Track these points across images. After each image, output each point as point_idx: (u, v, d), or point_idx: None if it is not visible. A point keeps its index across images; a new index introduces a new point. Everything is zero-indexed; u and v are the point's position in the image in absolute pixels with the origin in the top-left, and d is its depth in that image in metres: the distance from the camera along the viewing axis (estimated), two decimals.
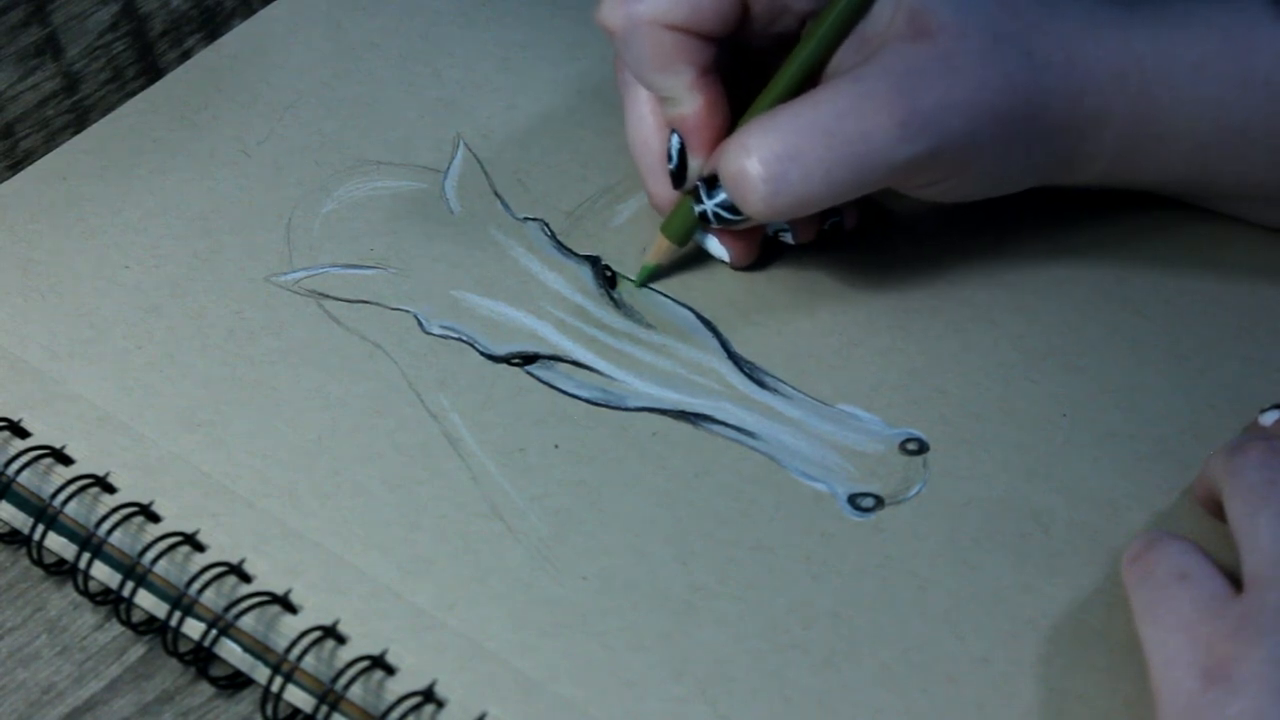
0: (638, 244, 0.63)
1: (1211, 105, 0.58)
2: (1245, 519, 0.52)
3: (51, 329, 0.61)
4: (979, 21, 0.57)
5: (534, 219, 0.64)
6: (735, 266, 0.62)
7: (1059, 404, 0.59)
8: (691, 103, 0.60)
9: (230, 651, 0.55)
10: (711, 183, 0.59)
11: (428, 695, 0.52)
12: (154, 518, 0.56)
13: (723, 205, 0.59)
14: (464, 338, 0.61)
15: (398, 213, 0.64)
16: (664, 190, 0.62)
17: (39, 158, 0.66)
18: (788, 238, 0.62)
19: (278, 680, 0.53)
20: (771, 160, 0.57)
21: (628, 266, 0.63)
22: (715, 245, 0.62)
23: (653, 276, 0.62)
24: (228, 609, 0.54)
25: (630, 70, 0.61)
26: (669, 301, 0.62)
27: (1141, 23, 0.59)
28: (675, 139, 0.61)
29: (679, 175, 0.61)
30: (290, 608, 0.54)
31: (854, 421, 0.59)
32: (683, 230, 0.61)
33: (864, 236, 0.63)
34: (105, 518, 0.56)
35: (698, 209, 0.60)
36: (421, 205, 0.65)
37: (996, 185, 0.60)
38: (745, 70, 0.62)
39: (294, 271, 0.63)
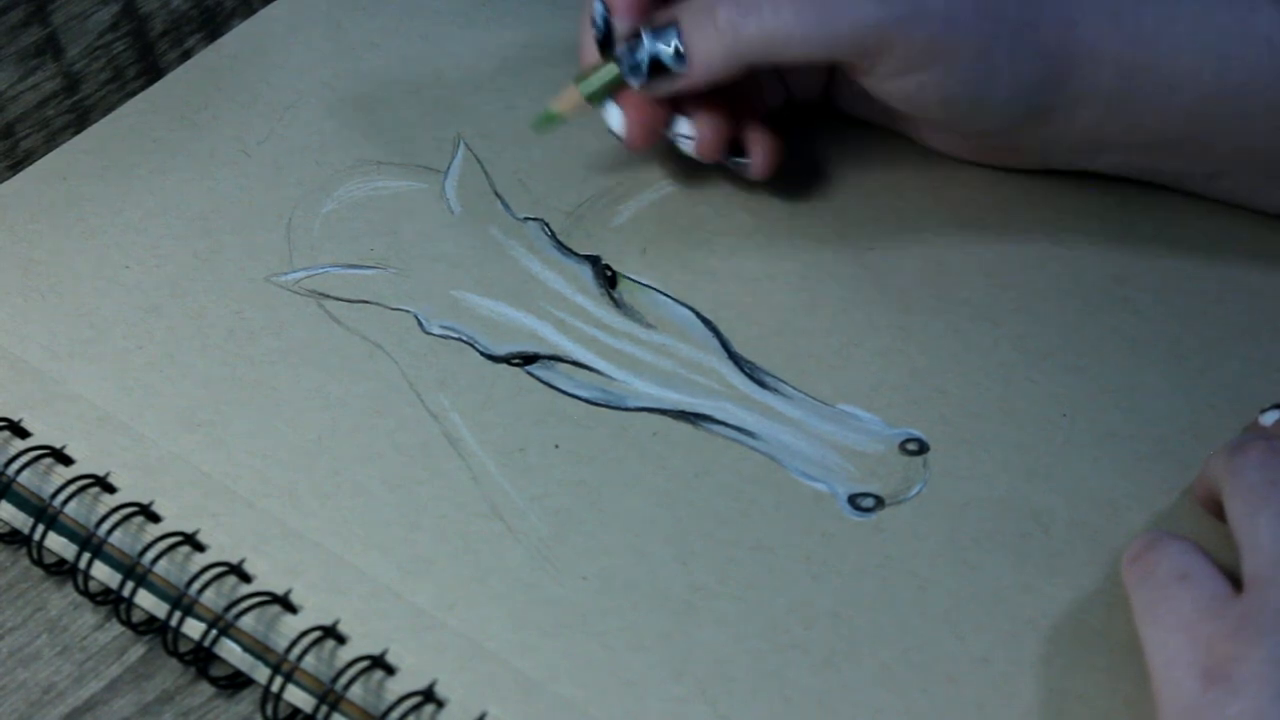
0: (639, 244, 0.63)
1: (1212, 56, 0.59)
2: (1245, 519, 0.52)
3: (51, 329, 0.61)
4: None
5: (534, 219, 0.64)
6: (630, 146, 0.62)
7: (1059, 404, 0.59)
8: None
9: (230, 651, 0.55)
10: (662, 28, 0.59)
11: (428, 695, 0.53)
12: (154, 518, 0.56)
13: (668, 50, 0.59)
14: (464, 338, 0.61)
15: (398, 213, 0.64)
16: (594, 58, 0.62)
17: (39, 158, 0.66)
18: (747, 172, 0.62)
19: (278, 680, 0.53)
20: None
21: (628, 266, 0.63)
22: (615, 117, 0.62)
23: (549, 123, 0.63)
24: (228, 609, 0.54)
25: None
26: (669, 301, 0.62)
27: None
28: (598, 5, 0.61)
29: (606, 44, 0.61)
30: (290, 608, 0.54)
31: (854, 421, 0.59)
32: (597, 88, 0.61)
33: (862, 236, 0.63)
34: (105, 518, 0.56)
35: (635, 55, 0.60)
36: (421, 205, 0.65)
37: (980, 95, 0.60)
38: None
39: (294, 271, 0.63)
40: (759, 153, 0.62)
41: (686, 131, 0.62)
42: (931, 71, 0.59)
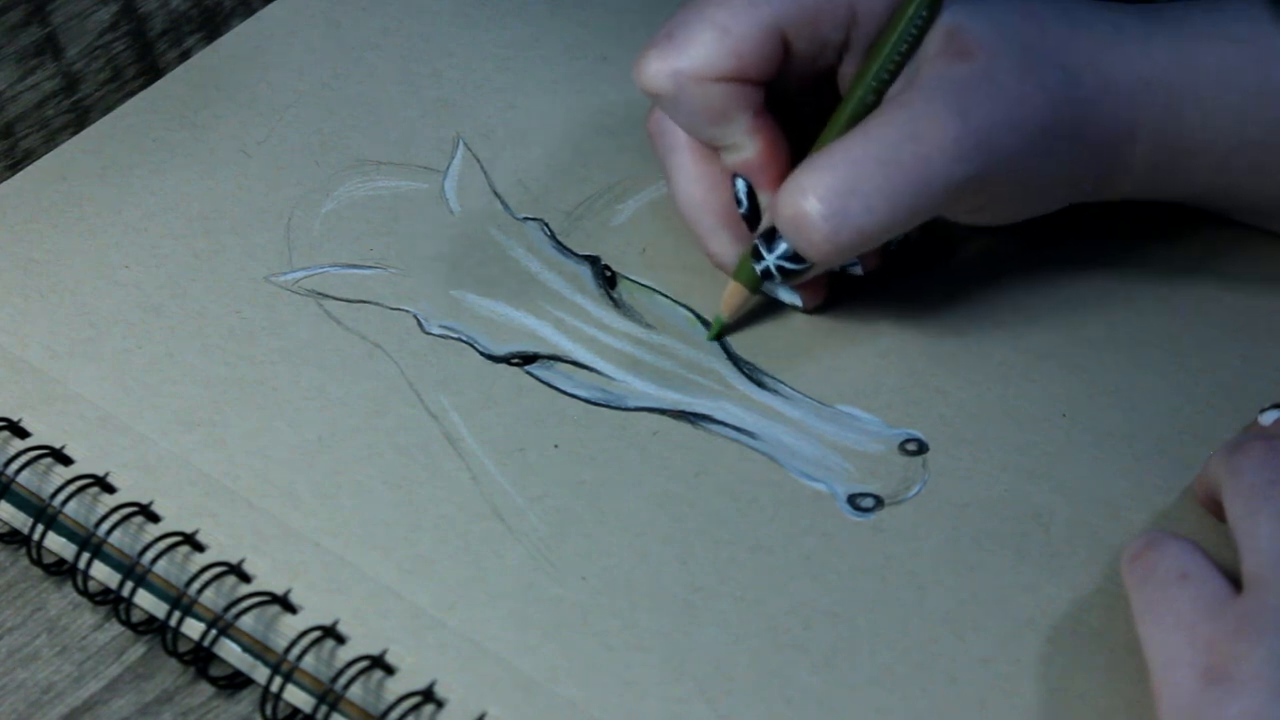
0: (638, 243, 0.63)
1: (1233, 116, 0.58)
2: (1245, 519, 0.52)
3: (51, 329, 0.61)
4: (1013, 39, 0.57)
5: (534, 219, 0.64)
6: (807, 310, 0.62)
7: (1059, 404, 0.59)
8: (753, 145, 0.59)
9: (230, 651, 0.55)
10: (770, 236, 0.59)
11: (427, 695, 0.52)
12: (154, 518, 0.56)
13: (784, 256, 0.58)
14: (464, 338, 0.61)
15: (398, 213, 0.64)
16: (724, 249, 0.61)
17: (39, 158, 0.66)
18: (857, 270, 0.61)
19: (277, 680, 0.53)
20: (829, 196, 0.56)
21: (628, 266, 0.63)
22: (785, 291, 0.61)
23: (725, 331, 0.61)
24: (227, 609, 0.54)
25: (684, 127, 0.60)
26: (669, 301, 0.62)
27: (1160, 34, 0.58)
28: (741, 183, 0.60)
29: (753, 217, 0.60)
30: (290, 608, 0.54)
31: (854, 422, 0.59)
32: (754, 279, 0.60)
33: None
34: (105, 518, 0.56)
35: (759, 266, 0.59)
36: (421, 205, 0.65)
37: (1041, 204, 0.60)
38: (791, 109, 0.61)
39: (294, 271, 0.63)
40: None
41: (851, 261, 0.61)
42: (1001, 201, 0.59)
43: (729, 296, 0.61)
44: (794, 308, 0.62)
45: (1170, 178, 0.60)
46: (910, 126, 0.56)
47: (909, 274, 0.62)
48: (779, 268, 0.59)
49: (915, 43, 0.58)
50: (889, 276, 0.62)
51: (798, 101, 0.61)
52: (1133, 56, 0.58)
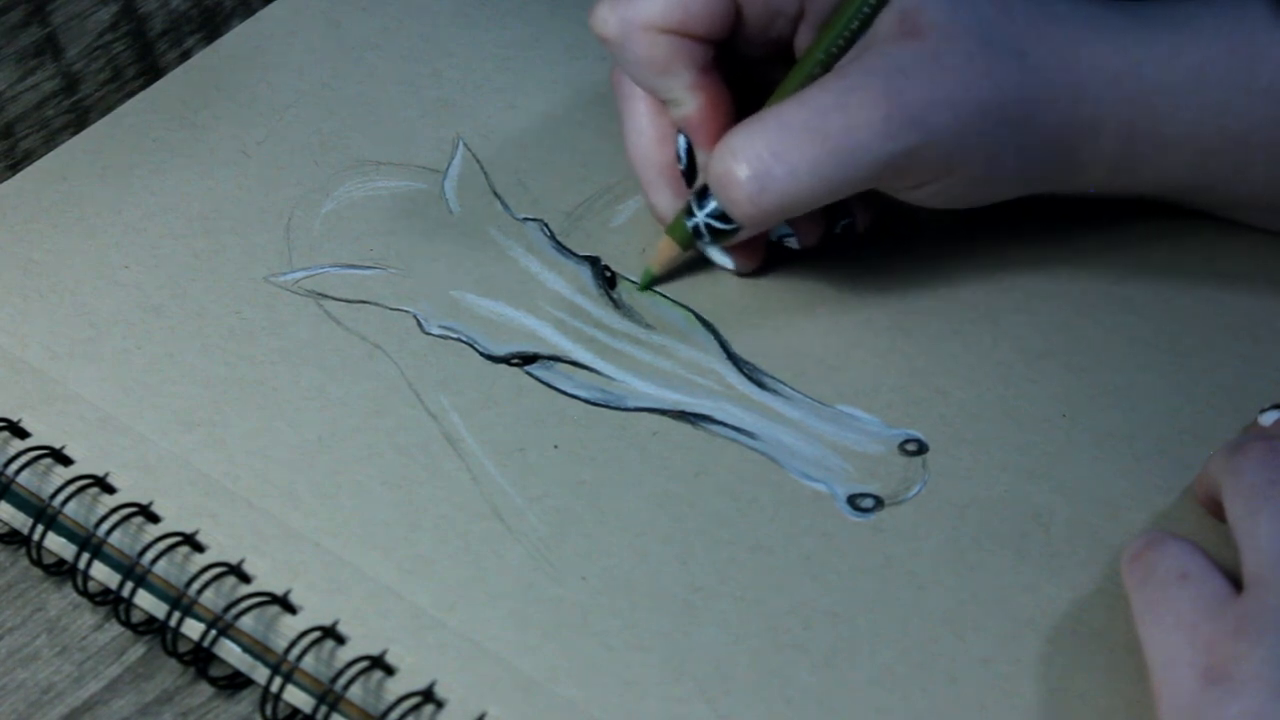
0: (638, 244, 0.63)
1: (1212, 111, 0.58)
2: (1245, 519, 0.52)
3: (51, 329, 0.61)
4: (971, 23, 0.57)
5: (533, 219, 0.64)
6: (739, 273, 0.62)
7: (1059, 404, 0.59)
8: (693, 102, 0.60)
9: (230, 652, 0.55)
10: (703, 194, 0.59)
11: (427, 695, 0.52)
12: (153, 518, 0.56)
13: (713, 215, 0.59)
14: (464, 338, 0.61)
15: (398, 213, 0.64)
16: (665, 202, 0.62)
17: (39, 158, 0.66)
18: (792, 243, 0.62)
19: (277, 680, 0.53)
20: (754, 160, 0.57)
21: (628, 266, 0.63)
22: (718, 252, 0.62)
23: (655, 282, 0.62)
24: (227, 609, 0.54)
25: (629, 75, 0.61)
26: (668, 302, 0.62)
27: (1141, 28, 0.58)
28: (682, 139, 0.61)
29: (690, 174, 0.61)
30: (290, 608, 0.54)
31: (854, 422, 0.59)
32: (687, 235, 0.61)
33: (866, 236, 0.63)
34: (105, 518, 0.56)
35: (690, 223, 0.60)
36: (421, 205, 0.65)
37: (990, 189, 0.60)
38: (749, 77, 0.62)
39: (294, 271, 0.63)
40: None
41: (786, 231, 0.62)
42: (943, 182, 0.59)
43: (660, 250, 0.62)
44: (725, 269, 0.62)
45: (1143, 173, 0.60)
46: (842, 97, 0.57)
47: (908, 274, 0.62)
48: (708, 226, 0.59)
49: (868, 19, 0.59)
50: (888, 276, 0.62)
51: (755, 69, 0.62)
52: (1106, 50, 0.58)
